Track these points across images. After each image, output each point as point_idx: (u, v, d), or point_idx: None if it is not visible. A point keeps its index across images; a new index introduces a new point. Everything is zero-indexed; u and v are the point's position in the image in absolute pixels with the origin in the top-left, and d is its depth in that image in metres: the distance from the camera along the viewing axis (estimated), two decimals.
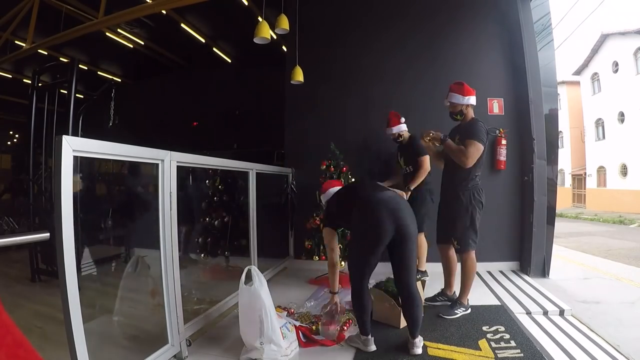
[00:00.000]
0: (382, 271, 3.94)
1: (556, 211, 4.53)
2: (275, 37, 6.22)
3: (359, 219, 2.36)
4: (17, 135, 15.63)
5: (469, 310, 2.99)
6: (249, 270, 2.42)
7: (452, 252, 3.12)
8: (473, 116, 3.04)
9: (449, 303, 3.08)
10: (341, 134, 4.57)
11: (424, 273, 3.85)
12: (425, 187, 3.74)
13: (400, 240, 2.26)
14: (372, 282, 3.40)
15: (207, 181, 4.55)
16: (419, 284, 3.01)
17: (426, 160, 3.61)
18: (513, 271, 4.40)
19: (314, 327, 2.67)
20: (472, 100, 3.01)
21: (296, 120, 4.84)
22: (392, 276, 3.16)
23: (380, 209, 2.25)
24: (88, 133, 4.55)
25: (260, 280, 2.36)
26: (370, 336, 2.38)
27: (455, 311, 2.94)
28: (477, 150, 2.83)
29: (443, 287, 3.29)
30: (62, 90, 4.51)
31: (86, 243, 4.05)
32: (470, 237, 2.93)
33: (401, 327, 2.72)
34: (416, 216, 2.52)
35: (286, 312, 2.90)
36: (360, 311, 2.37)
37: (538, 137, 4.27)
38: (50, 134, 4.51)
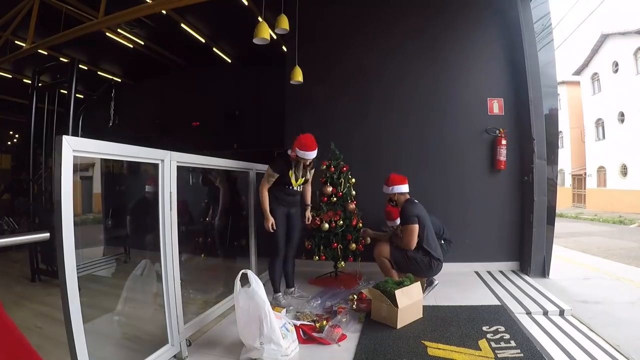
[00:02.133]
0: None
1: (556, 211, 4.53)
2: (275, 37, 6.22)
3: None
4: (17, 135, 15.61)
5: None
6: (244, 274, 2.42)
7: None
8: (407, 198, 3.54)
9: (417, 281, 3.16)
10: (341, 134, 4.56)
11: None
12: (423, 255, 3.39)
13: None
14: (371, 282, 3.41)
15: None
16: (418, 284, 3.02)
17: (410, 230, 3.36)
18: (513, 271, 4.40)
19: (317, 325, 2.68)
20: (396, 189, 3.52)
21: (296, 120, 4.84)
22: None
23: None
24: (88, 133, 4.55)
25: (256, 282, 2.36)
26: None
27: None
28: (410, 232, 3.33)
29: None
30: (62, 91, 4.51)
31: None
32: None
33: (398, 327, 2.72)
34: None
35: (285, 311, 2.91)
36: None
37: (538, 137, 4.27)
38: (50, 134, 4.51)
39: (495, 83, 4.60)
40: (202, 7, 6.13)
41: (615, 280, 4.45)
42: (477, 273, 4.32)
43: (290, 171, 3.34)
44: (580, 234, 11.04)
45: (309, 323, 2.76)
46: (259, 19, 4.52)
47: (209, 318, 2.83)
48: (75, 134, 4.43)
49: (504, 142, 4.41)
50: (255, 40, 3.86)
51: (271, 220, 3.29)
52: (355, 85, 4.76)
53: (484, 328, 2.69)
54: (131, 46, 9.74)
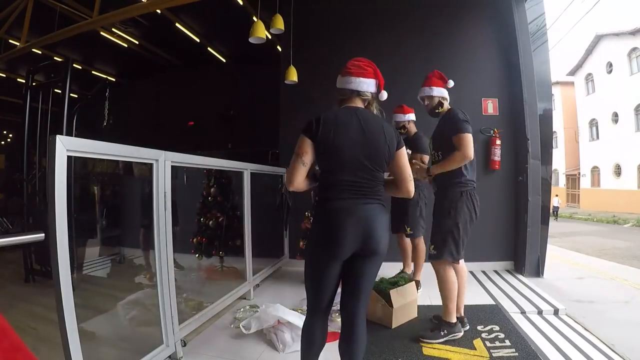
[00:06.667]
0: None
1: (550, 211, 4.56)
2: (270, 36, 6.22)
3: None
4: (11, 135, 15.50)
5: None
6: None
7: (404, 239, 3.69)
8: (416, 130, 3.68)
9: (412, 281, 3.05)
10: None
11: (418, 283, 3.49)
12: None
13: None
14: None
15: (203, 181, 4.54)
16: (413, 284, 3.02)
17: (469, 139, 2.56)
18: (507, 271, 4.42)
19: None
20: (410, 117, 3.70)
21: (290, 120, 4.82)
22: (385, 276, 3.16)
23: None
24: (82, 133, 4.53)
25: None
26: None
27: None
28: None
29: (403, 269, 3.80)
30: (56, 90, 4.47)
31: None
32: (420, 225, 3.55)
33: (393, 327, 2.73)
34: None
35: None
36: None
37: (532, 137, 4.29)
38: (44, 134, 4.47)
39: (489, 83, 4.61)
40: (197, 7, 6.12)
41: (609, 280, 4.49)
42: (471, 273, 4.33)
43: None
44: (575, 234, 11.12)
45: None
46: (254, 18, 4.50)
47: (204, 318, 2.82)
48: (69, 133, 4.41)
49: (498, 142, 4.43)
50: (251, 40, 3.86)
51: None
52: None
53: (479, 327, 2.70)
54: (126, 45, 9.70)
